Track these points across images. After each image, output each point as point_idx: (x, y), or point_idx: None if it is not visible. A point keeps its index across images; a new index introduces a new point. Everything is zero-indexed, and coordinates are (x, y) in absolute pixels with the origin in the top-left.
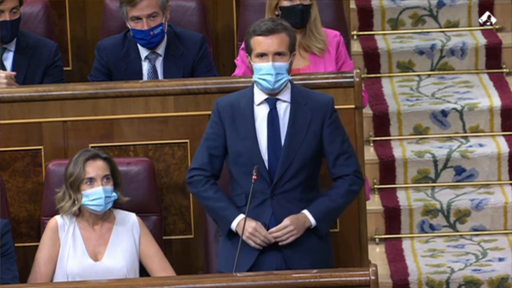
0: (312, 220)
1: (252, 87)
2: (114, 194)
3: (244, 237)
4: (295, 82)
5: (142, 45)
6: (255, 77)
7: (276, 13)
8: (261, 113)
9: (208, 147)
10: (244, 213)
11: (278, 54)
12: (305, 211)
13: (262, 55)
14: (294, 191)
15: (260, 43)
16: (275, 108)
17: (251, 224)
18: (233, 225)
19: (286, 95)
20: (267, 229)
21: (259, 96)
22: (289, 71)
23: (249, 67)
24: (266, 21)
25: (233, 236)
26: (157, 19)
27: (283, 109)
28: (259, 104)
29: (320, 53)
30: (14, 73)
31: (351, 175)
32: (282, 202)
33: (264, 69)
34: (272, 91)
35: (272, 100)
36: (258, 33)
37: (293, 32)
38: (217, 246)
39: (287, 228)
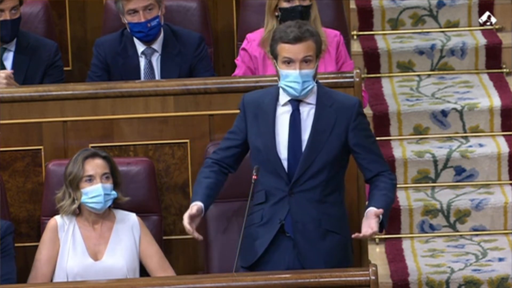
0: (380, 216)
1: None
2: (113, 192)
3: None
4: None
5: (140, 38)
6: (281, 83)
7: (276, 14)
8: (283, 113)
9: (228, 138)
10: (259, 209)
11: (305, 61)
12: (373, 209)
13: (289, 61)
14: (313, 191)
15: (288, 50)
16: (298, 109)
17: (184, 216)
18: None
19: (311, 98)
20: (283, 226)
21: (283, 96)
22: (315, 76)
23: (249, 67)
24: (293, 27)
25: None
26: (153, 11)
27: (307, 110)
28: (283, 105)
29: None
30: (11, 71)
31: (387, 171)
32: (300, 201)
33: (291, 76)
34: (298, 97)
35: (295, 102)
36: (285, 41)
37: (319, 36)
38: (218, 246)
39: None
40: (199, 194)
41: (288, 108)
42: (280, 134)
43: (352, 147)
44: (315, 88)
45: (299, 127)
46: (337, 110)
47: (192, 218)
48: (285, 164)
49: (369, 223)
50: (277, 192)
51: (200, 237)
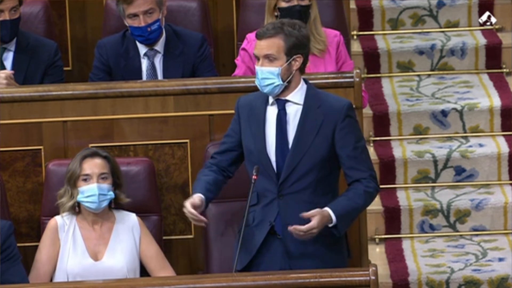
0: (334, 218)
1: None
2: (110, 193)
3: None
4: None
5: (141, 42)
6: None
7: (276, 14)
8: (272, 114)
9: (224, 142)
10: (251, 211)
11: (268, 58)
12: (327, 208)
13: (258, 58)
14: (303, 193)
15: (255, 46)
16: (284, 109)
17: (186, 203)
18: None
19: (298, 98)
20: (273, 229)
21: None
22: (287, 75)
23: (249, 67)
24: (269, 24)
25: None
26: (154, 15)
27: (294, 111)
28: (271, 105)
29: (320, 54)
30: (12, 71)
31: (367, 178)
32: (289, 203)
33: (257, 73)
34: (269, 94)
35: (281, 102)
36: (256, 36)
37: (298, 36)
38: (218, 246)
39: (312, 230)
40: (198, 188)
41: (275, 108)
42: (269, 135)
43: (338, 149)
44: (304, 87)
45: (285, 127)
46: (325, 111)
47: (194, 207)
48: (274, 165)
49: (318, 226)
50: (267, 194)
51: (205, 220)
